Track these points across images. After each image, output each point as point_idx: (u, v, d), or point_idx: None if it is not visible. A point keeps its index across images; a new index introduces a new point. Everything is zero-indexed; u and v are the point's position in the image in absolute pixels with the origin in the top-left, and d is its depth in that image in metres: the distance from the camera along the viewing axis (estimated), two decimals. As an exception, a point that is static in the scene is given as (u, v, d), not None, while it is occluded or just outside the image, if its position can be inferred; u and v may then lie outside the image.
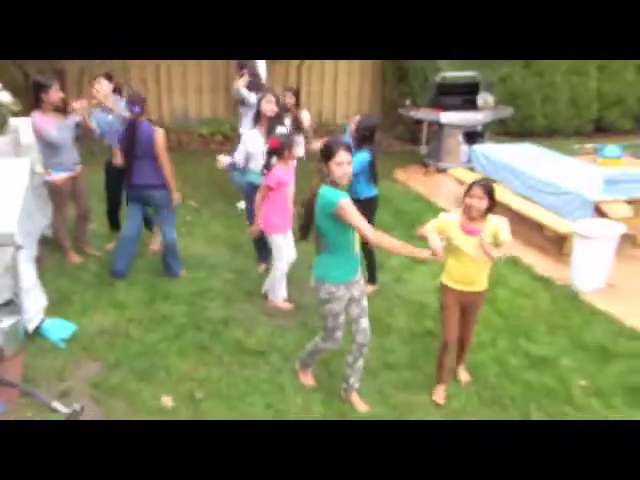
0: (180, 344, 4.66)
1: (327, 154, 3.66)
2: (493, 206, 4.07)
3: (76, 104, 5.57)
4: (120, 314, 5.01)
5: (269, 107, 5.47)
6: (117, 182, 5.98)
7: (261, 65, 7.77)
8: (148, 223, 6.14)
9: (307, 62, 10.85)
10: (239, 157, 5.59)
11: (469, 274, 4.18)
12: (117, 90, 6.20)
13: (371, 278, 5.69)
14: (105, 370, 4.34)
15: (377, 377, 4.44)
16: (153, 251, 6.17)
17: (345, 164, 3.65)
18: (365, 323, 4.04)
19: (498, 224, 4.10)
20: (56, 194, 5.72)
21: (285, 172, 5.02)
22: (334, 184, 3.68)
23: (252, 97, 7.03)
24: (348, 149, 3.70)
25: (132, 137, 5.23)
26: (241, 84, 7.21)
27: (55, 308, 4.88)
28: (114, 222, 6.49)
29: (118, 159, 5.62)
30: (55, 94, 5.33)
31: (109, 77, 5.92)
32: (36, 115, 5.40)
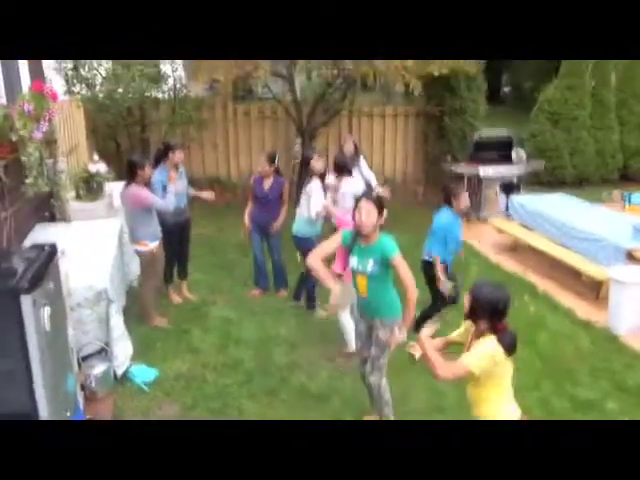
0: (250, 388, 4.56)
1: (357, 201, 3.74)
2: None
3: (173, 174, 5.52)
4: (196, 359, 4.95)
5: (319, 165, 5.67)
6: (172, 240, 5.82)
7: None
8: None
9: (355, 124, 10.90)
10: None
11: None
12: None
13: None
14: (183, 411, 4.28)
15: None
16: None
17: (362, 209, 3.63)
18: None
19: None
20: (151, 263, 5.36)
21: None
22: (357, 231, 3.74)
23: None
24: (374, 202, 3.67)
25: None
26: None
27: (140, 354, 4.87)
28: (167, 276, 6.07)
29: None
30: (149, 170, 5.28)
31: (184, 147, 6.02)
32: (135, 188, 5.18)
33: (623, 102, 11.24)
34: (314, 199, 5.55)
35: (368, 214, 3.62)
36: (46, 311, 2.63)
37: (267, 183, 6.03)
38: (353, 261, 3.78)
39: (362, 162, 7.08)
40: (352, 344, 4.68)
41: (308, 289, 5.83)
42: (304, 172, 5.82)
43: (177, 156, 5.67)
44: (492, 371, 2.80)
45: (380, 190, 6.72)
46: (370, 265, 3.71)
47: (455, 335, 3.22)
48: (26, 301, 2.47)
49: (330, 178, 6.43)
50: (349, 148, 7.17)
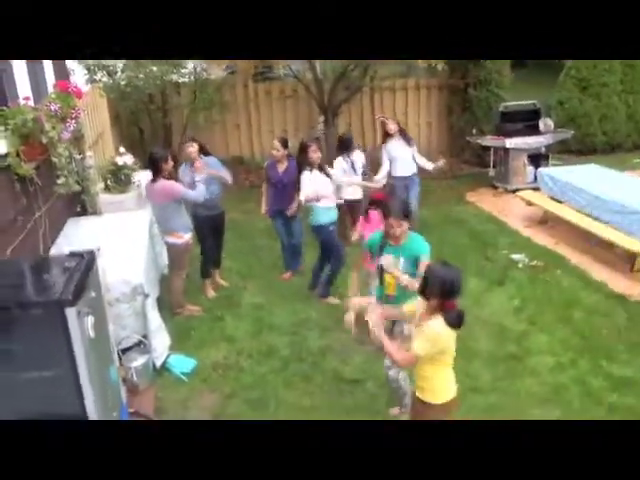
0: (285, 375, 4.63)
1: (384, 214, 3.98)
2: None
3: (198, 164, 5.38)
4: (231, 347, 5.04)
5: (316, 155, 5.62)
6: (206, 234, 5.83)
7: None
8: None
9: (377, 98, 10.76)
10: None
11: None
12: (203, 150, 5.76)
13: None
14: (222, 400, 4.37)
15: (464, 401, 4.25)
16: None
17: (395, 228, 3.78)
18: None
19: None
20: (182, 255, 5.34)
21: None
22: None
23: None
24: (401, 213, 3.79)
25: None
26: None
27: (176, 343, 4.97)
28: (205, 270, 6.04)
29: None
30: (169, 162, 5.18)
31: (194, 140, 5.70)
32: (163, 182, 5.12)
33: (654, 64, 10.86)
34: (303, 187, 5.57)
35: (400, 227, 3.79)
36: (90, 320, 2.70)
37: (281, 167, 6.04)
38: (385, 260, 3.82)
39: (413, 148, 7.02)
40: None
41: (329, 275, 5.80)
42: (300, 157, 5.71)
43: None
44: (435, 352, 3.03)
45: (440, 163, 6.98)
46: (401, 264, 3.80)
47: (410, 306, 3.38)
48: (71, 313, 2.54)
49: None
50: (392, 129, 6.95)
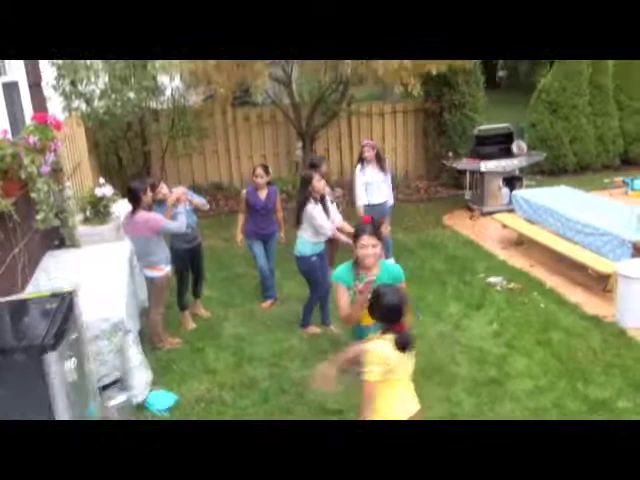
0: (267, 408, 4.60)
1: (354, 237, 3.69)
2: None
3: (179, 192, 5.41)
4: (212, 379, 5.00)
5: (320, 185, 5.54)
6: (184, 267, 5.84)
7: None
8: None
9: (355, 123, 10.90)
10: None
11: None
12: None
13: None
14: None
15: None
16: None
17: (369, 247, 3.55)
18: None
19: None
20: (162, 288, 5.31)
21: None
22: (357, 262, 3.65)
23: None
24: (373, 234, 3.60)
25: None
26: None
27: (158, 377, 4.92)
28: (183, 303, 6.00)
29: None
30: (149, 194, 5.20)
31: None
32: (143, 213, 5.10)
33: (621, 88, 11.21)
34: (319, 222, 5.47)
35: (375, 247, 3.57)
36: (71, 362, 2.68)
37: (262, 194, 6.12)
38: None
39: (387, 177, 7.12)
40: None
41: (306, 305, 5.81)
42: (304, 190, 5.59)
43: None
44: (386, 372, 3.03)
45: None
46: None
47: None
48: (52, 357, 2.53)
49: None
50: (367, 157, 7.00)
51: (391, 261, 6.12)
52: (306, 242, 5.58)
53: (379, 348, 3.03)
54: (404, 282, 3.70)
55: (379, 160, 7.06)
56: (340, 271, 3.73)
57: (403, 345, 3.03)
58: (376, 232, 3.67)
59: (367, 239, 3.55)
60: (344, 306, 3.61)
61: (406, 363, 3.13)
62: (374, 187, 7.01)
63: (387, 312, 3.07)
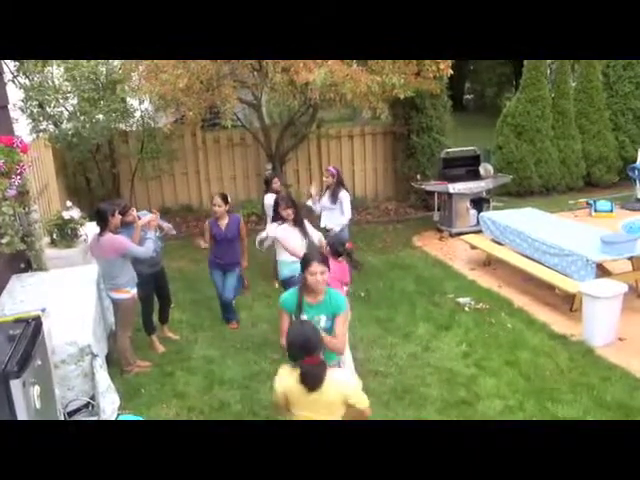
0: (238, 432, 4.56)
1: (303, 264, 3.69)
2: None
3: (151, 217, 5.45)
4: (182, 403, 4.93)
5: (285, 212, 5.55)
6: (149, 291, 5.81)
7: None
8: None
9: (324, 145, 11.01)
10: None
11: None
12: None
13: None
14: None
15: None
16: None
17: (318, 274, 3.61)
18: None
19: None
20: (129, 311, 5.30)
21: None
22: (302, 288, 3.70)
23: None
24: (322, 261, 3.67)
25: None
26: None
27: (126, 402, 4.83)
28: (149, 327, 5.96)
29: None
30: (117, 216, 5.15)
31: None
32: (111, 236, 5.06)
33: (582, 112, 11.59)
34: (292, 245, 5.46)
35: (323, 274, 3.63)
36: (36, 390, 2.62)
37: (222, 223, 6.10)
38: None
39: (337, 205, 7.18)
40: None
41: None
42: (275, 215, 5.73)
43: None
44: (283, 403, 3.08)
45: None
46: (323, 321, 3.72)
47: None
48: (15, 384, 2.47)
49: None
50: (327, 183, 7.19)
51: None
52: (284, 263, 5.61)
53: (279, 378, 3.07)
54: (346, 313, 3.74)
55: (336, 186, 7.15)
56: (286, 297, 3.82)
57: (305, 382, 2.94)
58: (322, 256, 3.76)
59: (316, 266, 3.62)
60: (286, 331, 3.58)
61: (314, 402, 2.96)
62: (326, 214, 7.18)
63: (287, 348, 3.05)
